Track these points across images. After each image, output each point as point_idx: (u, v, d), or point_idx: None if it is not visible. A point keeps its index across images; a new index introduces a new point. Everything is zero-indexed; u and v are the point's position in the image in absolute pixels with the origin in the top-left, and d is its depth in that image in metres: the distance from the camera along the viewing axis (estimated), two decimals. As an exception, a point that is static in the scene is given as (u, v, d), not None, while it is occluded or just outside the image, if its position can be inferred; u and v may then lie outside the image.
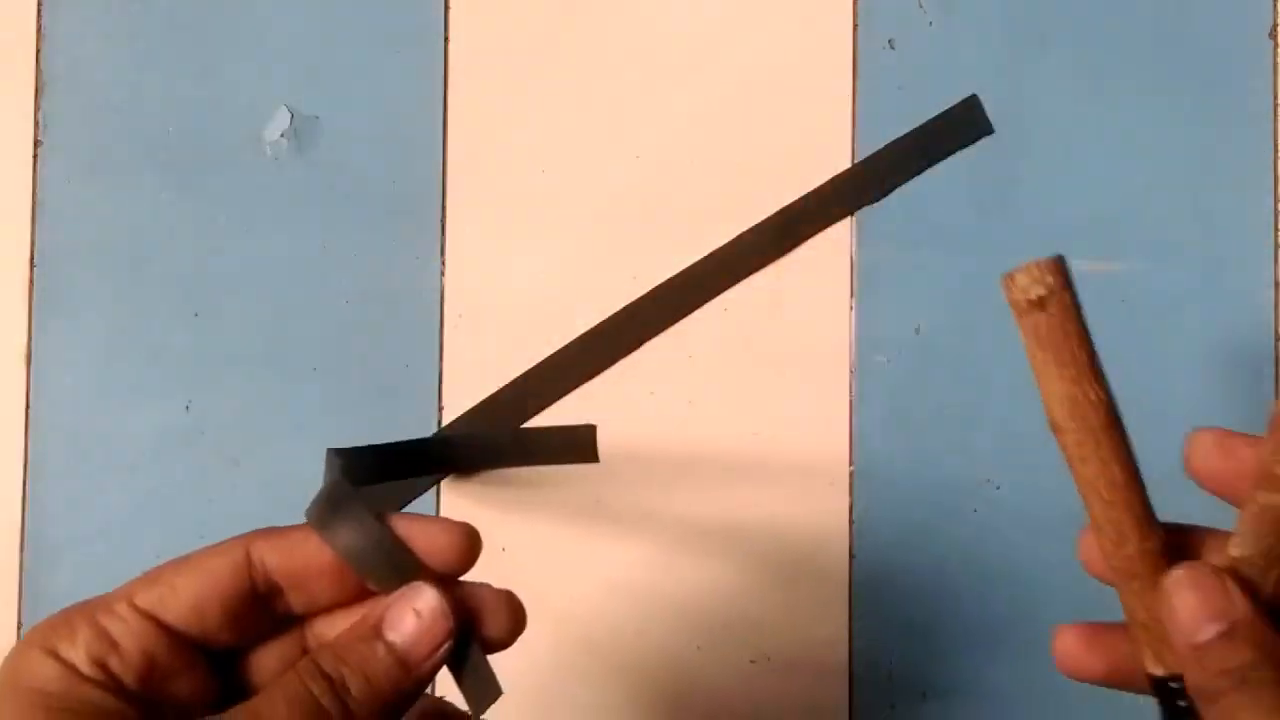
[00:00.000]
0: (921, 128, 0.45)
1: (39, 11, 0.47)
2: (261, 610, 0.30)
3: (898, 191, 0.45)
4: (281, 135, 0.46)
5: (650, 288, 0.45)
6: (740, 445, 0.45)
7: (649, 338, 0.45)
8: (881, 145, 0.45)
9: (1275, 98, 0.45)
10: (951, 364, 0.45)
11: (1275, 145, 0.45)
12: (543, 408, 0.45)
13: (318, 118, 0.46)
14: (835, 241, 0.45)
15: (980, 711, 0.44)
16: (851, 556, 0.44)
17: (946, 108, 0.45)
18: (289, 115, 0.46)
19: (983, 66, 0.45)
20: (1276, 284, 0.45)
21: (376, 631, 0.28)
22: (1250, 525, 0.27)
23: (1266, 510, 0.27)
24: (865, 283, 0.45)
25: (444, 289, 0.46)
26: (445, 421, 0.45)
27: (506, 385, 0.45)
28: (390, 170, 0.46)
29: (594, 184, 0.46)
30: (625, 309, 0.45)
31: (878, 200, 0.45)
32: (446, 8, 0.46)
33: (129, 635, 0.28)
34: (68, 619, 0.28)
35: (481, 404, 0.45)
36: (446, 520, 0.30)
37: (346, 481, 0.30)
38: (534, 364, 0.45)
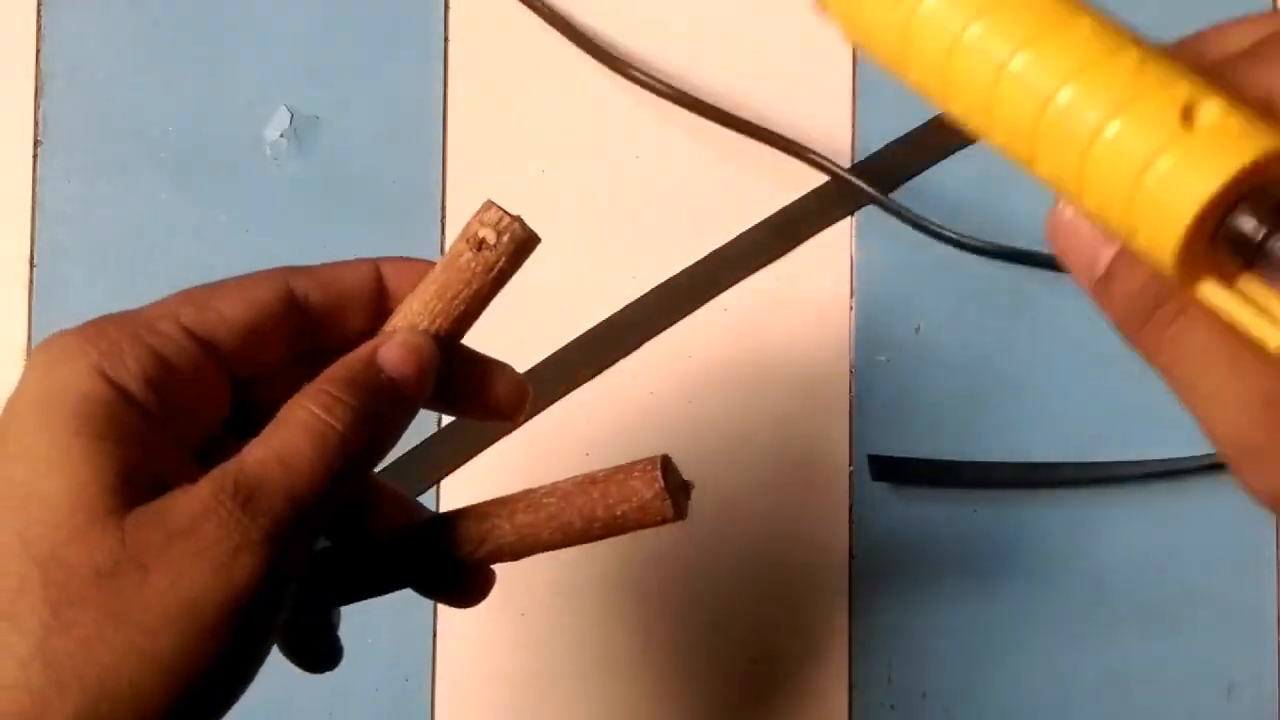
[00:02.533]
0: (921, 127, 0.45)
1: (39, 11, 0.47)
2: (294, 341, 0.29)
3: (898, 191, 0.45)
4: (281, 135, 0.46)
5: (650, 288, 0.45)
6: (740, 445, 0.45)
7: (649, 338, 0.45)
8: (881, 145, 0.45)
9: (1275, 98, 0.45)
10: (951, 364, 0.45)
11: (1275, 145, 0.45)
12: (542, 409, 0.45)
13: (318, 118, 0.46)
14: (835, 241, 0.45)
15: (980, 712, 0.44)
16: (851, 556, 0.44)
17: (946, 108, 0.45)
18: (289, 115, 0.46)
19: (983, 66, 0.45)
20: (1276, 284, 0.45)
21: (374, 363, 0.29)
22: None
23: None
24: (865, 283, 0.45)
25: (444, 289, 0.46)
26: (445, 422, 0.45)
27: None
28: (390, 170, 0.46)
29: (594, 184, 0.46)
30: (625, 309, 0.45)
31: (878, 200, 0.45)
32: (446, 8, 0.46)
33: (181, 356, 0.27)
34: (106, 334, 0.27)
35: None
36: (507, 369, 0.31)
37: None
38: (534, 364, 0.45)
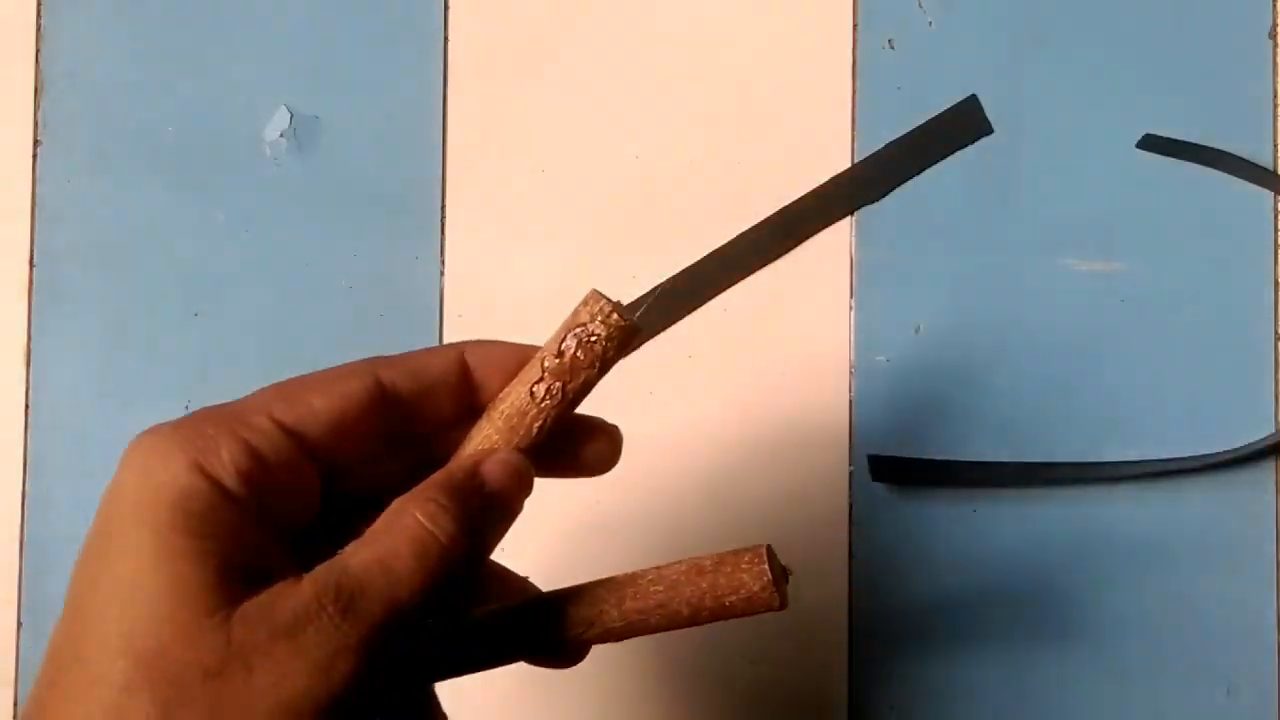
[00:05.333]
0: (921, 127, 0.45)
1: (39, 11, 0.47)
2: (382, 430, 0.30)
3: (898, 191, 0.45)
4: (281, 135, 0.46)
5: (649, 287, 0.45)
6: (740, 445, 0.45)
7: (649, 338, 0.45)
8: (881, 145, 0.45)
9: (1275, 98, 0.45)
10: (951, 364, 0.45)
11: (1275, 145, 0.45)
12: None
13: (318, 118, 0.46)
14: (835, 241, 0.45)
15: (980, 712, 0.44)
16: (851, 556, 0.44)
17: (946, 108, 0.45)
18: (289, 115, 0.46)
19: (983, 66, 0.45)
20: (1276, 284, 0.45)
21: (477, 474, 0.30)
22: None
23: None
24: (865, 283, 0.45)
25: (444, 289, 0.46)
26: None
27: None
28: (390, 170, 0.46)
29: (594, 184, 0.46)
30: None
31: (878, 200, 0.45)
32: (446, 8, 0.46)
33: (274, 449, 0.28)
34: (201, 430, 0.27)
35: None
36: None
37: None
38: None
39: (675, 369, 0.45)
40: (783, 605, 0.30)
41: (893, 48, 0.46)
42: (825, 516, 0.44)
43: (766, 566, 0.30)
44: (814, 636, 0.44)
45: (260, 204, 0.46)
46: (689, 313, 0.45)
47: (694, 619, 0.30)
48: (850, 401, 0.45)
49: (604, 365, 0.31)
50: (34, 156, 0.46)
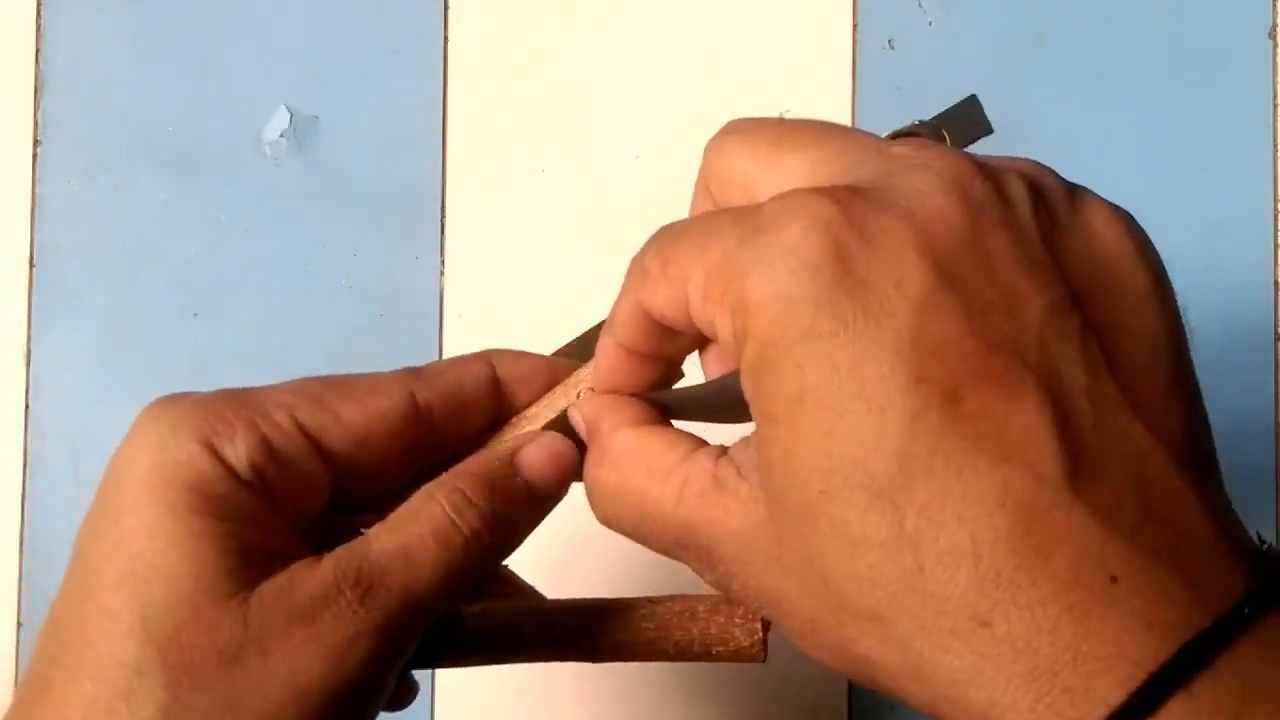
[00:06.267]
0: (921, 127, 0.45)
1: (39, 11, 0.47)
2: (409, 446, 0.29)
3: (898, 191, 0.45)
4: (281, 135, 0.46)
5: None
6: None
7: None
8: (881, 145, 0.45)
9: (1275, 98, 0.45)
10: (951, 364, 0.45)
11: (1275, 145, 0.45)
12: (543, 408, 0.45)
13: (318, 118, 0.46)
14: (835, 241, 0.45)
15: (980, 711, 0.44)
16: (851, 556, 0.44)
17: (946, 108, 0.45)
18: (289, 115, 0.46)
19: (983, 66, 0.45)
20: (1276, 284, 0.45)
21: (513, 465, 0.29)
22: None
23: None
24: (865, 283, 0.45)
25: (444, 289, 0.46)
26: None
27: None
28: (390, 170, 0.46)
29: (594, 184, 0.46)
30: (625, 309, 0.45)
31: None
32: (446, 8, 0.46)
33: (291, 449, 0.27)
34: (222, 414, 0.27)
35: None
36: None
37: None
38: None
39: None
40: (765, 659, 0.30)
41: (893, 48, 0.46)
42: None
43: (759, 624, 0.30)
44: (814, 636, 0.44)
45: (260, 204, 0.46)
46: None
47: (677, 658, 0.31)
48: (850, 401, 0.45)
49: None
50: (34, 156, 0.46)
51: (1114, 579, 0.20)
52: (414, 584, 0.26)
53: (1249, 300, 0.45)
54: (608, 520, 0.27)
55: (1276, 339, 0.45)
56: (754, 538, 0.23)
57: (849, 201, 0.22)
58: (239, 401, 0.27)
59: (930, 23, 0.46)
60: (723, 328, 0.23)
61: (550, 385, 0.30)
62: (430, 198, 0.46)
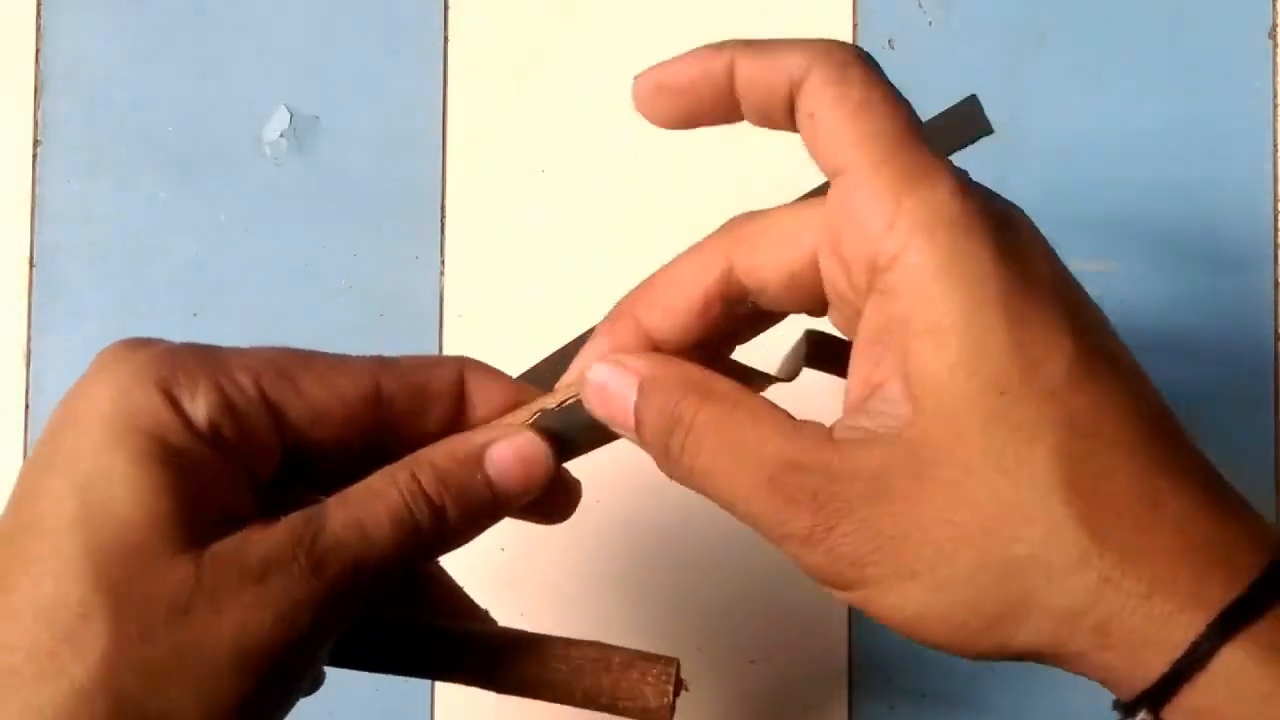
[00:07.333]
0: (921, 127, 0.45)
1: (39, 11, 0.47)
2: (366, 430, 0.29)
3: (898, 191, 0.45)
4: (281, 135, 0.46)
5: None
6: (740, 445, 0.45)
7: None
8: (881, 145, 0.45)
9: (1275, 98, 0.45)
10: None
11: (1275, 145, 0.45)
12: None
13: (318, 118, 0.46)
14: (835, 241, 0.45)
15: (979, 712, 0.44)
16: (851, 556, 0.44)
17: (946, 108, 0.45)
18: (289, 115, 0.46)
19: (983, 66, 0.45)
20: (1276, 284, 0.45)
21: (478, 461, 0.28)
22: None
23: None
24: (865, 283, 0.45)
25: (444, 289, 0.46)
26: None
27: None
28: (390, 170, 0.46)
29: (594, 184, 0.46)
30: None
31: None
32: (446, 8, 0.46)
33: (249, 413, 0.27)
34: (186, 368, 0.27)
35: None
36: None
37: None
38: (533, 364, 0.45)
39: (675, 369, 0.45)
40: None
41: (893, 48, 0.46)
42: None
43: (671, 686, 0.30)
44: (814, 636, 0.44)
45: (260, 204, 0.46)
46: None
47: (584, 705, 0.30)
48: (850, 401, 0.45)
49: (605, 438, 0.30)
50: (34, 156, 0.46)
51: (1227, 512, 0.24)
52: (364, 560, 0.26)
53: (1249, 300, 0.45)
54: (685, 460, 0.27)
55: (1276, 339, 0.45)
56: (891, 471, 0.24)
57: None
58: (204, 357, 0.27)
59: (930, 23, 0.46)
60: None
61: (512, 408, 0.30)
62: (430, 198, 0.46)
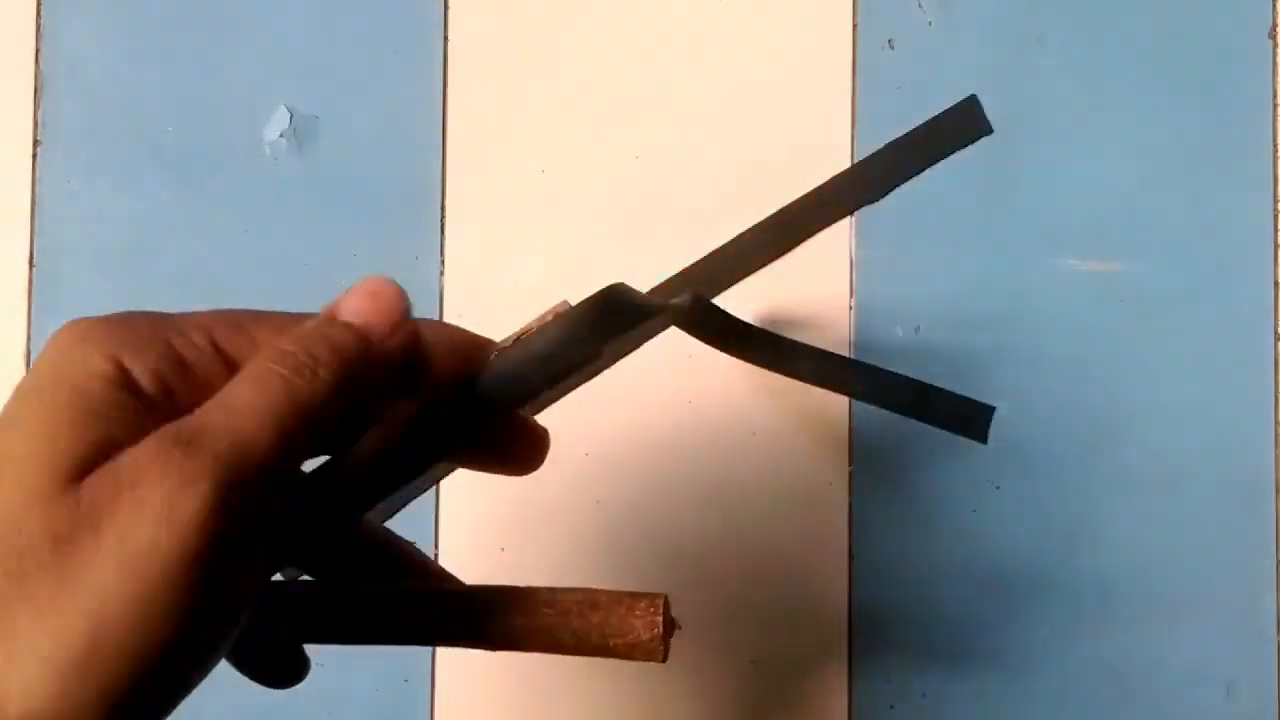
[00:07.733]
0: (921, 127, 0.45)
1: (39, 11, 0.47)
2: None
3: (898, 191, 0.45)
4: (281, 135, 0.46)
5: (650, 288, 0.45)
6: (740, 445, 0.45)
7: (648, 338, 0.45)
8: (881, 145, 0.45)
9: (1275, 98, 0.45)
10: (951, 364, 0.45)
11: (1275, 145, 0.45)
12: (541, 408, 0.45)
13: (318, 118, 0.46)
14: (835, 241, 0.45)
15: (979, 712, 0.44)
16: (851, 556, 0.44)
17: (946, 108, 0.45)
18: (289, 115, 0.46)
19: (982, 66, 0.45)
20: (1276, 284, 0.45)
21: (333, 316, 0.28)
22: None
23: None
24: (865, 283, 0.45)
25: (444, 289, 0.46)
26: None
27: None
28: (390, 170, 0.46)
29: (594, 184, 0.46)
30: (625, 309, 0.45)
31: (878, 200, 0.45)
32: (446, 8, 0.46)
33: (202, 366, 0.27)
34: (133, 325, 0.26)
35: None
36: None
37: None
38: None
39: (675, 368, 0.45)
40: (664, 658, 0.30)
41: (893, 48, 0.46)
42: (825, 516, 0.44)
43: (660, 618, 0.29)
44: (814, 636, 0.44)
45: (260, 204, 0.46)
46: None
47: (576, 650, 0.30)
48: (850, 402, 0.45)
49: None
50: (34, 156, 0.46)
51: None
52: (236, 427, 0.25)
53: (1249, 300, 0.45)
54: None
55: (1276, 339, 0.45)
56: None
57: None
58: (155, 318, 0.27)
59: (930, 23, 0.46)
60: None
61: (467, 354, 0.30)
62: (430, 198, 0.46)
